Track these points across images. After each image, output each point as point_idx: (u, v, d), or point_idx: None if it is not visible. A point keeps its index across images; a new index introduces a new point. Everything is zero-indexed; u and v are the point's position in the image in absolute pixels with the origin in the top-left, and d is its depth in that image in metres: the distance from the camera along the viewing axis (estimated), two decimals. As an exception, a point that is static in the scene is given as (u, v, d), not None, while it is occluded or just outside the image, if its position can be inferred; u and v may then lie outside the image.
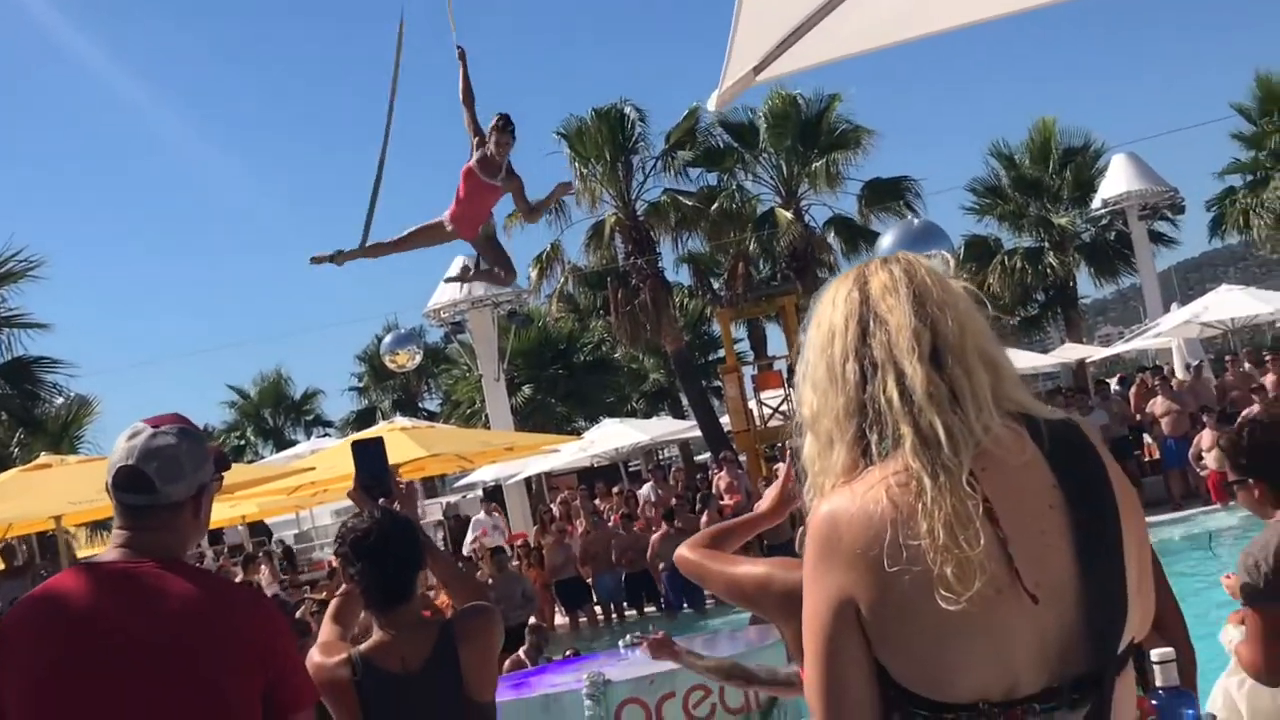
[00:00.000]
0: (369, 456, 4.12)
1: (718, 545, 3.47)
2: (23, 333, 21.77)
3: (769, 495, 3.83)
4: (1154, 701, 2.34)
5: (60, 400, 22.85)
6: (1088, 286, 37.35)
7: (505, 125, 8.82)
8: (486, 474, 28.23)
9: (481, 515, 23.71)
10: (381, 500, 3.93)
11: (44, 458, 14.89)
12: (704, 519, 18.52)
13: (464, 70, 8.99)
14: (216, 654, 2.90)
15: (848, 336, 2.07)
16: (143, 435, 3.03)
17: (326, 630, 3.88)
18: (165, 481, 2.99)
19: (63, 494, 13.33)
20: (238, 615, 2.99)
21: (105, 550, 3.08)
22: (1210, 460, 17.60)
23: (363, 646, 3.78)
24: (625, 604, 20.74)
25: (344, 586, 3.88)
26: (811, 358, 2.13)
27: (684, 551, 3.43)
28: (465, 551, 21.10)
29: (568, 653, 12.56)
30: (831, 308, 2.13)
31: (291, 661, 3.08)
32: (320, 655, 3.68)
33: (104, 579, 2.96)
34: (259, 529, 29.92)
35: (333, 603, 3.96)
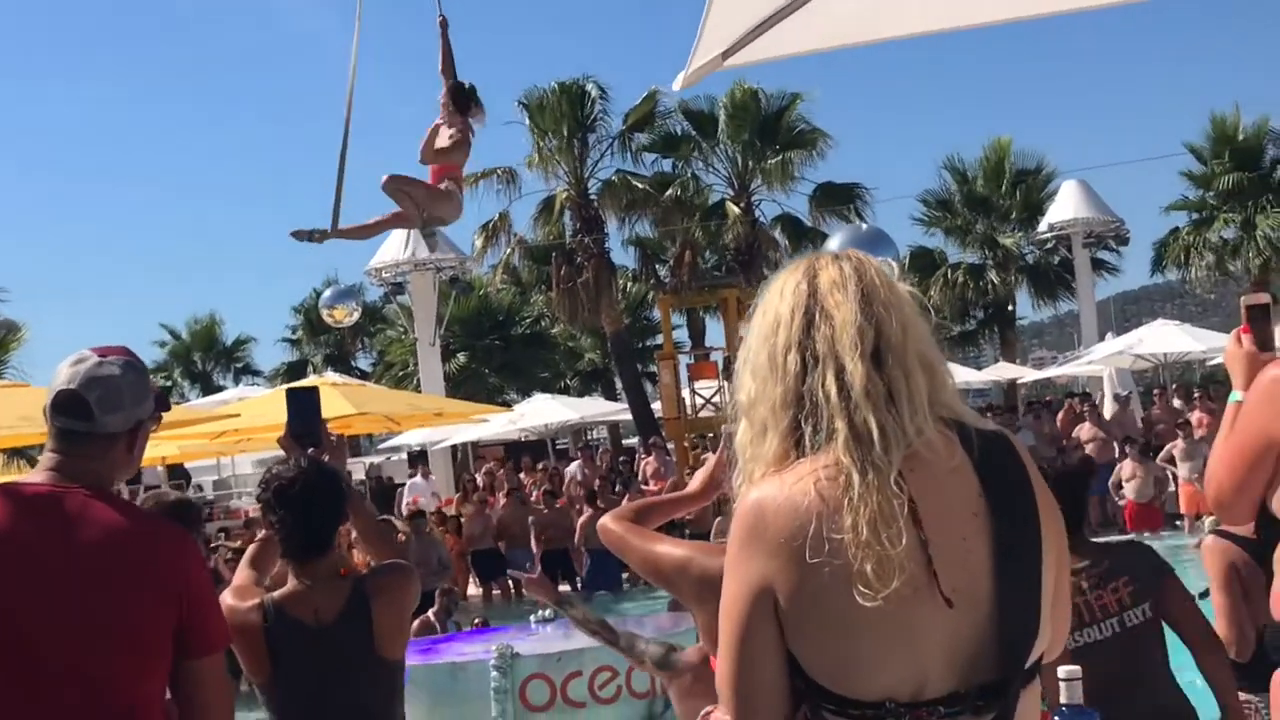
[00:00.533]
0: (302, 405, 4.09)
1: (641, 520, 3.51)
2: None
3: (699, 477, 3.87)
4: (1056, 717, 2.37)
5: (-14, 323, 22.51)
6: (1026, 308, 37.82)
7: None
8: (413, 438, 28.13)
9: (418, 479, 23.58)
10: (310, 450, 3.91)
11: (-34, 379, 14.61)
12: (625, 501, 18.53)
13: (445, 41, 8.89)
14: (131, 586, 2.88)
15: (792, 327, 2.08)
16: (88, 363, 3.00)
17: (242, 574, 3.86)
18: (104, 411, 2.96)
19: (-18, 417, 13.09)
20: (160, 550, 2.97)
21: (32, 473, 3.05)
22: (1129, 490, 17.84)
23: (276, 594, 3.76)
24: (539, 580, 20.69)
25: (264, 533, 3.85)
26: (754, 345, 2.14)
27: (608, 522, 3.47)
28: (403, 513, 20.99)
29: (476, 622, 12.56)
30: (779, 298, 2.14)
31: (207, 604, 3.06)
32: (233, 598, 3.65)
33: (27, 500, 2.92)
34: (178, 472, 29.61)
35: (251, 547, 3.93)
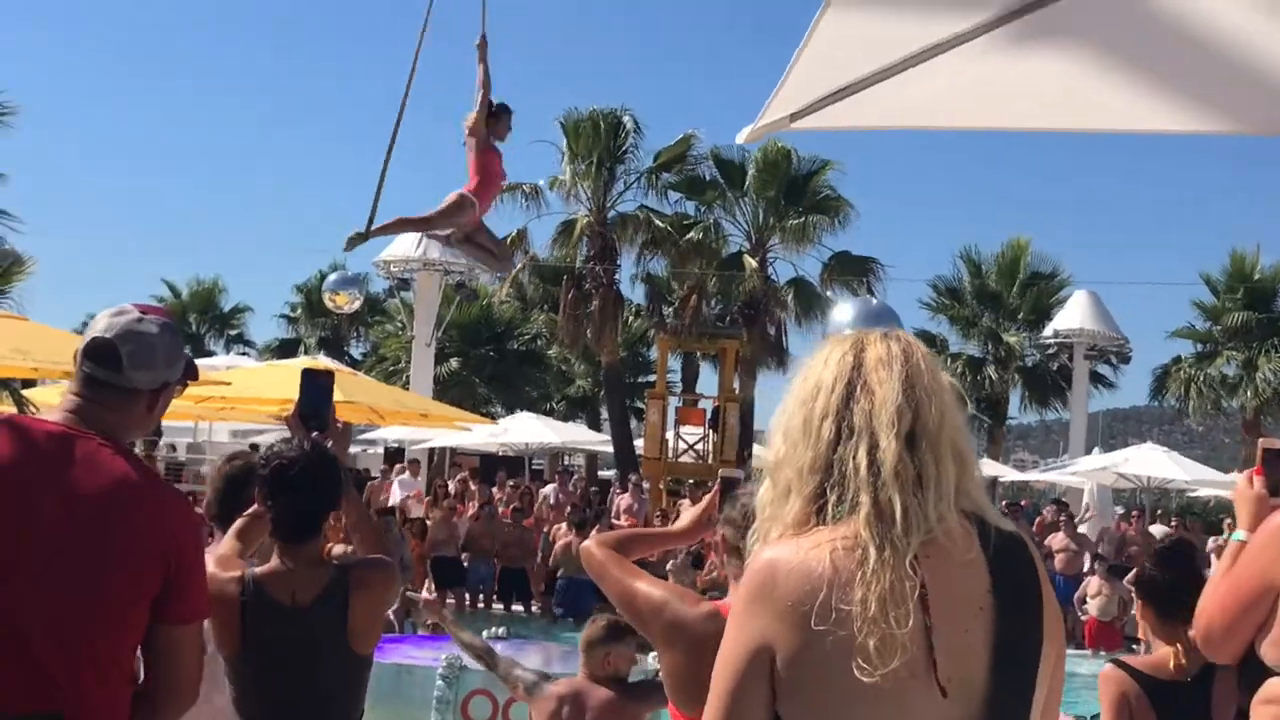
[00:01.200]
0: (315, 388, 4.10)
1: (624, 550, 3.56)
2: (-26, 177, 21.38)
3: (688, 516, 3.89)
4: None
5: (-7, 250, 22.42)
6: (1016, 409, 37.86)
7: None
8: (392, 433, 28.05)
9: (407, 478, 23.51)
10: (315, 434, 3.91)
11: (-35, 303, 14.56)
12: (593, 532, 18.52)
13: (484, 61, 9.07)
14: (121, 539, 2.88)
15: (832, 396, 2.11)
16: (128, 316, 3.04)
17: (227, 544, 3.85)
18: (134, 366, 2.99)
19: (-26, 345, 13.06)
20: (157, 510, 2.97)
21: (50, 411, 3.06)
22: (1092, 607, 17.84)
23: (258, 570, 3.75)
24: (495, 596, 20.66)
25: (255, 508, 3.85)
26: (790, 407, 2.17)
27: (592, 547, 3.50)
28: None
29: (429, 621, 12.52)
30: (822, 365, 2.17)
31: (194, 573, 3.05)
32: (214, 567, 3.65)
33: (37, 437, 2.93)
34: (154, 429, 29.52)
35: (240, 520, 3.92)
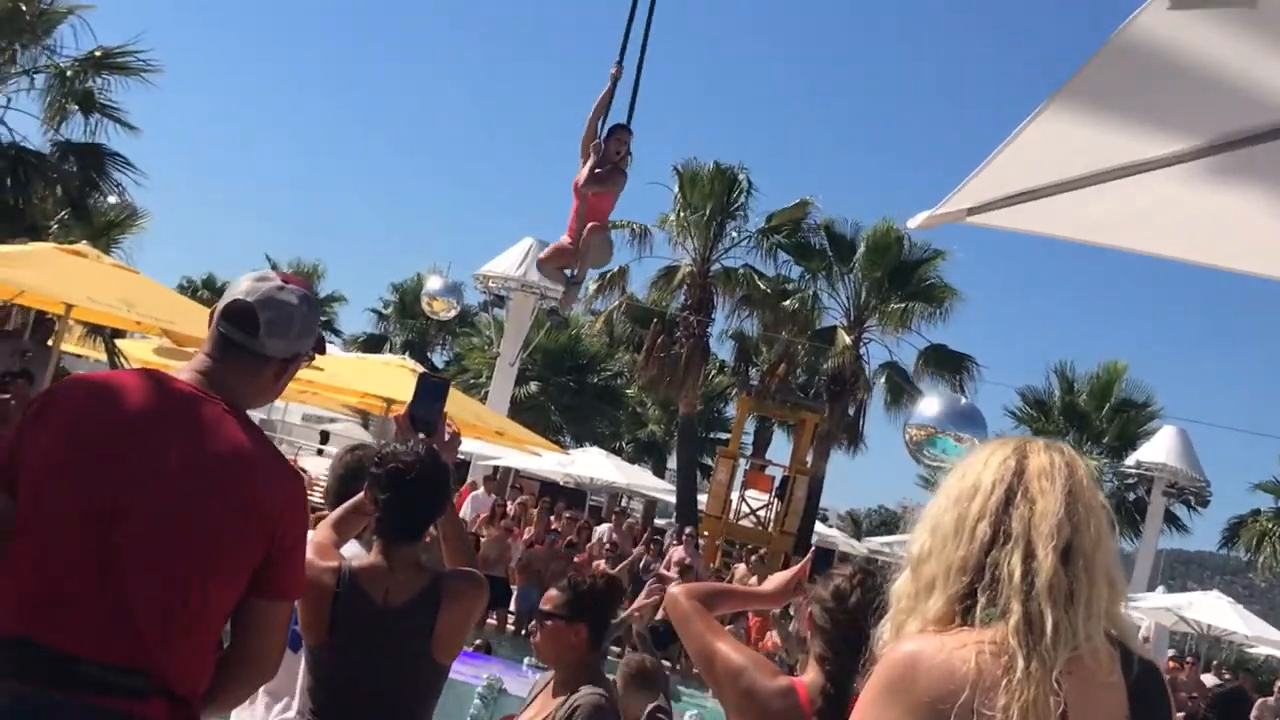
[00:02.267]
0: (431, 393, 4.10)
1: (711, 604, 3.53)
2: (112, 126, 21.83)
3: (777, 579, 3.86)
4: None
5: (114, 200, 22.85)
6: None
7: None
8: (463, 445, 28.19)
9: (480, 493, 23.62)
10: (424, 438, 3.92)
11: (84, 246, 14.85)
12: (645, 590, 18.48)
13: (611, 90, 8.94)
14: (235, 507, 2.90)
15: (990, 499, 2.10)
16: (270, 283, 3.05)
17: (323, 532, 3.87)
18: (270, 333, 3.00)
19: (85, 287, 13.29)
20: (272, 483, 2.98)
21: (181, 369, 3.07)
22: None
23: (355, 563, 3.77)
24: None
25: (359, 498, 3.87)
26: (943, 504, 2.16)
27: (679, 595, 3.49)
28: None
29: (477, 643, 12.54)
30: (982, 465, 2.16)
31: (296, 551, 3.07)
32: (312, 553, 3.67)
33: (171, 394, 2.95)
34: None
35: (339, 509, 3.95)
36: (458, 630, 3.78)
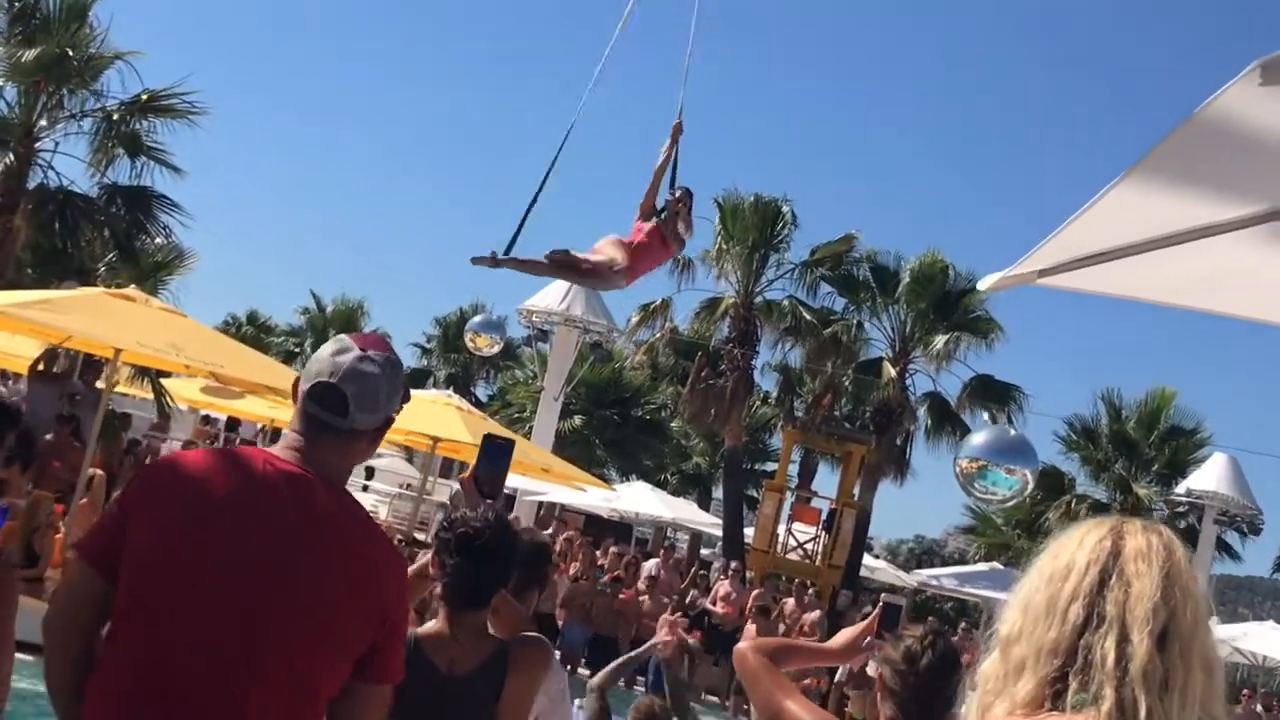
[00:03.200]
0: (495, 454, 4.09)
1: (778, 660, 3.50)
2: (158, 167, 22.04)
3: (845, 636, 3.81)
4: None
5: (160, 241, 23.08)
6: (1136, 563, 36.89)
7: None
8: (509, 480, 28.20)
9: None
10: (488, 500, 3.90)
11: (132, 290, 14.98)
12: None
13: (674, 145, 8.90)
14: (353, 594, 2.85)
15: (1085, 580, 2.05)
16: (350, 355, 2.98)
17: None
18: (360, 409, 2.94)
19: (133, 331, 13.41)
20: (383, 570, 2.94)
21: (277, 448, 3.01)
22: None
23: (420, 630, 3.75)
24: (585, 660, 20.64)
25: (421, 563, 3.85)
26: (1035, 583, 2.11)
27: (747, 651, 3.45)
28: None
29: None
30: (1076, 545, 2.11)
31: (401, 636, 3.03)
32: None
33: (281, 476, 2.89)
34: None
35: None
36: (523, 698, 3.75)
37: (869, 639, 3.75)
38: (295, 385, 3.05)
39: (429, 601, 4.04)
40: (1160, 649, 1.98)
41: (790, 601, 22.40)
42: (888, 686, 3.61)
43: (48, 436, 14.63)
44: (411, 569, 3.94)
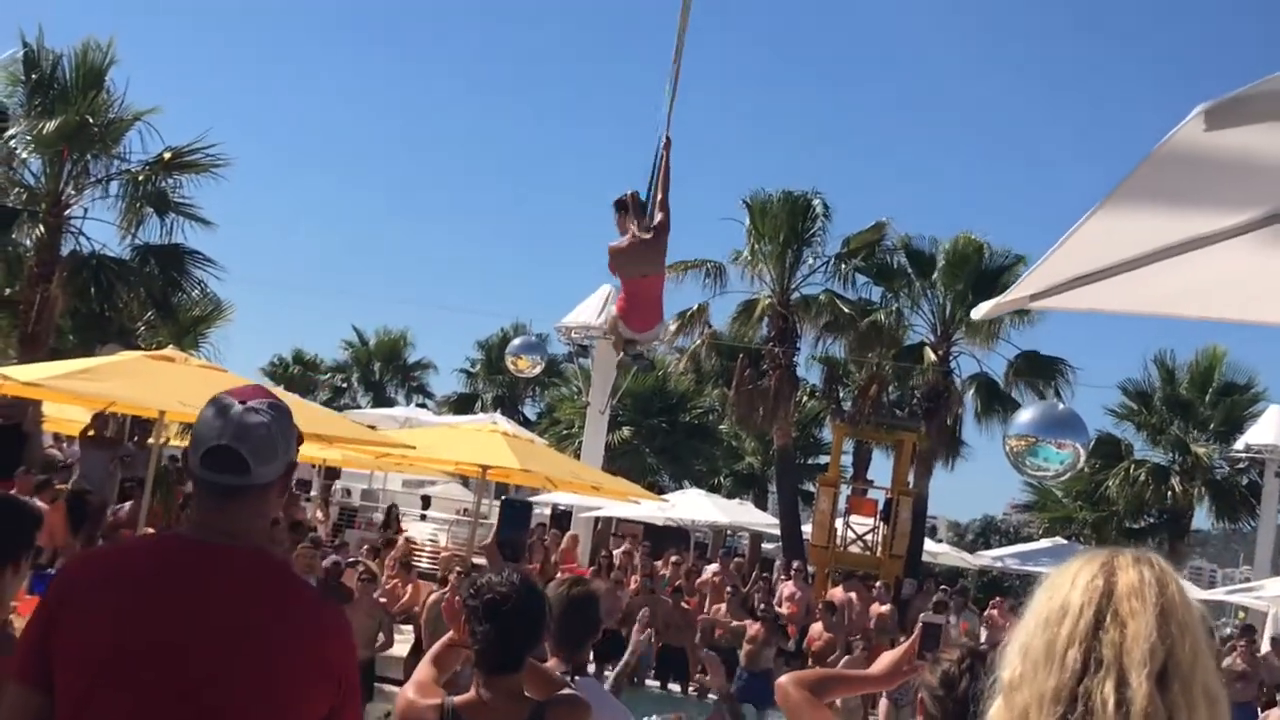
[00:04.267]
0: (515, 517, 4.15)
1: (820, 691, 3.50)
2: (187, 222, 22.31)
3: (886, 660, 3.81)
4: None
5: (197, 293, 23.35)
6: (1201, 519, 36.56)
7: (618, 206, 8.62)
8: (562, 498, 28.29)
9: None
10: (512, 562, 3.93)
11: (171, 350, 15.15)
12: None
13: (666, 160, 8.77)
14: (300, 661, 2.76)
15: (1079, 623, 2.02)
16: (234, 412, 2.82)
17: (423, 670, 3.88)
18: (260, 462, 2.81)
19: (176, 391, 13.49)
20: (327, 630, 2.86)
21: (187, 527, 2.91)
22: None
23: (457, 699, 3.77)
24: (652, 672, 20.64)
25: (451, 635, 3.88)
26: (1032, 626, 2.08)
27: (789, 685, 3.47)
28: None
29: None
30: (1069, 585, 2.08)
31: (356, 692, 2.93)
32: (414, 693, 3.67)
33: (206, 557, 2.79)
34: (332, 474, 30.32)
35: (436, 646, 3.96)
36: (564, 757, 3.77)
37: (911, 662, 3.75)
38: (185, 458, 2.94)
39: (460, 672, 4.06)
40: (1161, 689, 1.95)
41: (838, 590, 22.43)
42: (929, 711, 3.61)
43: (118, 508, 14.91)
44: (441, 642, 3.96)
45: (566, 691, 3.93)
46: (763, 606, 21.48)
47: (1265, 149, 2.26)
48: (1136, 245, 2.87)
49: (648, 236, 8.40)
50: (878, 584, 23.43)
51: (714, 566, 24.76)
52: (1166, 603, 2.03)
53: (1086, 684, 1.98)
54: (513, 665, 3.75)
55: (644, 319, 8.80)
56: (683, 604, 21.09)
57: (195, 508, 2.91)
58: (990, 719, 2.14)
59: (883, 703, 15.08)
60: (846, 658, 19.09)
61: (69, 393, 13.81)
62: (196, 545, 2.80)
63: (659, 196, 8.66)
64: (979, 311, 3.32)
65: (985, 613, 20.69)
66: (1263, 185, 2.56)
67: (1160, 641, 1.98)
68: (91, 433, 17.55)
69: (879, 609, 21.81)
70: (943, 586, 26.96)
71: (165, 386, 13.54)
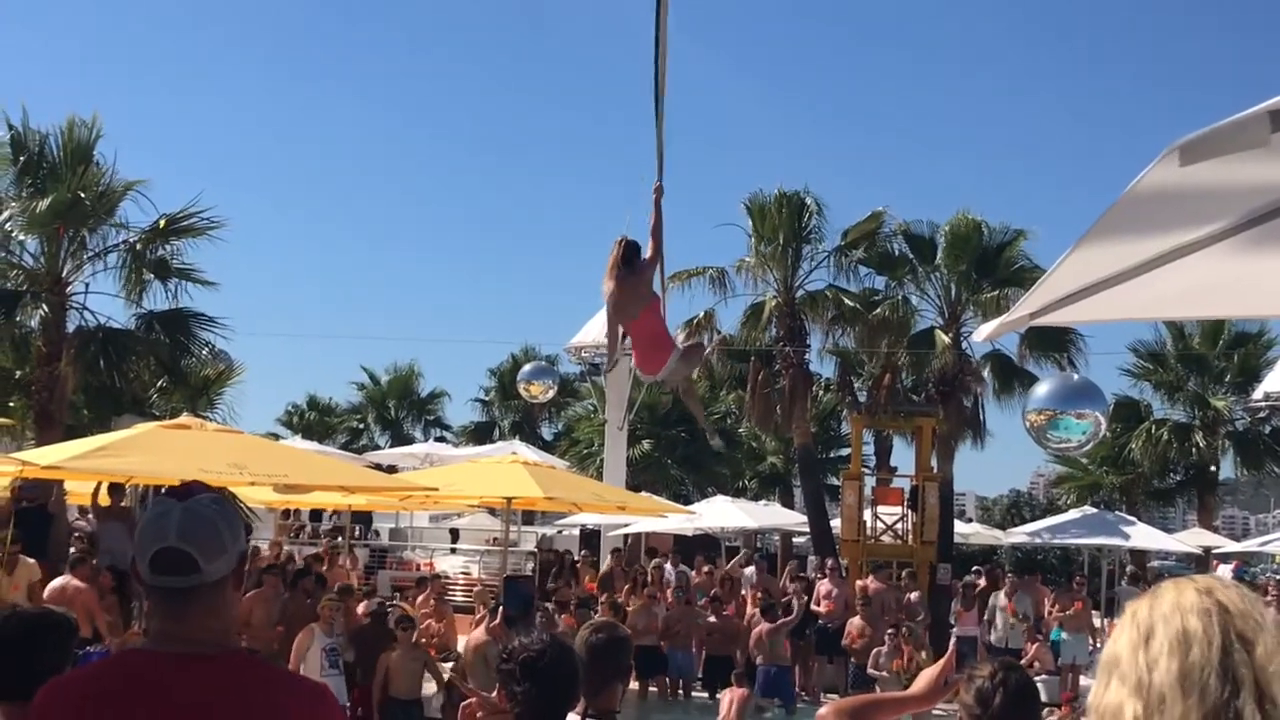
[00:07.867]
0: (519, 593, 4.20)
1: (861, 717, 3.49)
2: (190, 286, 22.40)
3: (926, 678, 3.81)
4: None
5: (206, 354, 23.43)
6: (1228, 471, 36.46)
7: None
8: (589, 518, 28.30)
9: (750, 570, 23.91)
10: (520, 635, 3.95)
11: (185, 418, 15.22)
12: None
13: (658, 208, 8.98)
14: None
15: (1211, 647, 1.95)
16: (175, 511, 2.76)
17: None
18: (209, 559, 2.73)
19: (196, 459, 13.59)
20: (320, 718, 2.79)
21: (150, 641, 2.86)
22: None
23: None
24: (699, 684, 20.64)
25: (486, 696, 3.90)
26: (1142, 660, 1.99)
27: (830, 716, 3.45)
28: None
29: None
30: (1174, 611, 2.00)
31: None
32: None
33: (162, 668, 2.72)
34: (360, 518, 30.40)
35: (472, 709, 3.98)
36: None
37: (950, 678, 3.76)
38: (134, 566, 2.85)
39: None
40: None
41: (870, 580, 22.54)
42: None
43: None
44: (469, 703, 3.99)
45: None
46: (759, 594, 21.60)
47: (1236, 175, 2.29)
48: (1120, 263, 2.91)
49: (630, 274, 8.69)
50: (904, 572, 23.55)
51: (751, 569, 24.85)
52: (1274, 617, 2.02)
53: (1236, 706, 1.92)
54: None
55: (653, 360, 9.03)
56: (724, 612, 21.09)
57: (153, 617, 2.84)
58: None
59: None
60: (875, 650, 19.14)
61: (90, 472, 13.88)
62: (160, 659, 2.72)
63: (652, 244, 8.92)
64: (980, 333, 3.35)
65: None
66: (1234, 202, 2.59)
67: None
68: (106, 503, 17.60)
69: (908, 596, 21.94)
70: (975, 568, 26.96)
71: (184, 456, 13.64)
